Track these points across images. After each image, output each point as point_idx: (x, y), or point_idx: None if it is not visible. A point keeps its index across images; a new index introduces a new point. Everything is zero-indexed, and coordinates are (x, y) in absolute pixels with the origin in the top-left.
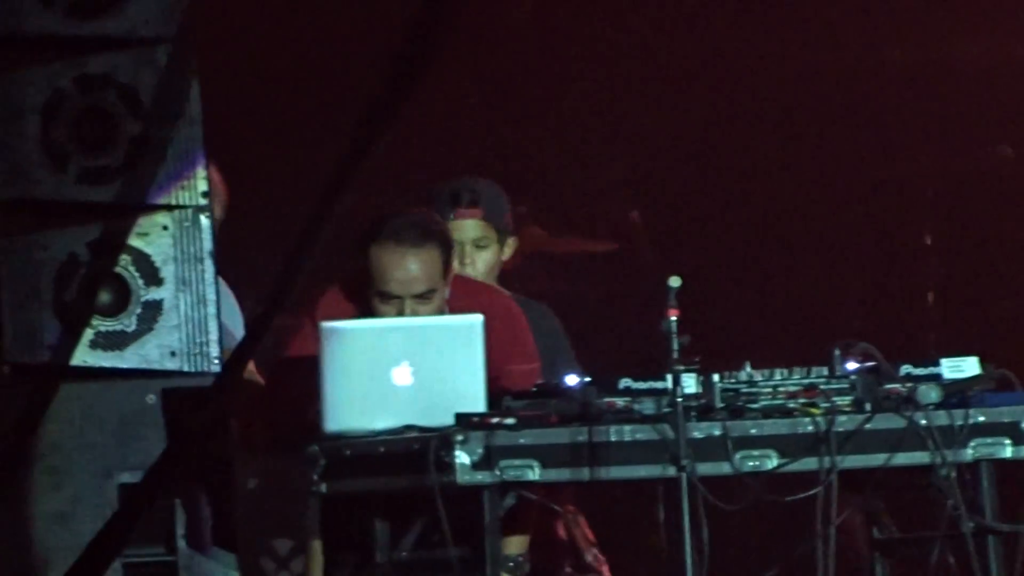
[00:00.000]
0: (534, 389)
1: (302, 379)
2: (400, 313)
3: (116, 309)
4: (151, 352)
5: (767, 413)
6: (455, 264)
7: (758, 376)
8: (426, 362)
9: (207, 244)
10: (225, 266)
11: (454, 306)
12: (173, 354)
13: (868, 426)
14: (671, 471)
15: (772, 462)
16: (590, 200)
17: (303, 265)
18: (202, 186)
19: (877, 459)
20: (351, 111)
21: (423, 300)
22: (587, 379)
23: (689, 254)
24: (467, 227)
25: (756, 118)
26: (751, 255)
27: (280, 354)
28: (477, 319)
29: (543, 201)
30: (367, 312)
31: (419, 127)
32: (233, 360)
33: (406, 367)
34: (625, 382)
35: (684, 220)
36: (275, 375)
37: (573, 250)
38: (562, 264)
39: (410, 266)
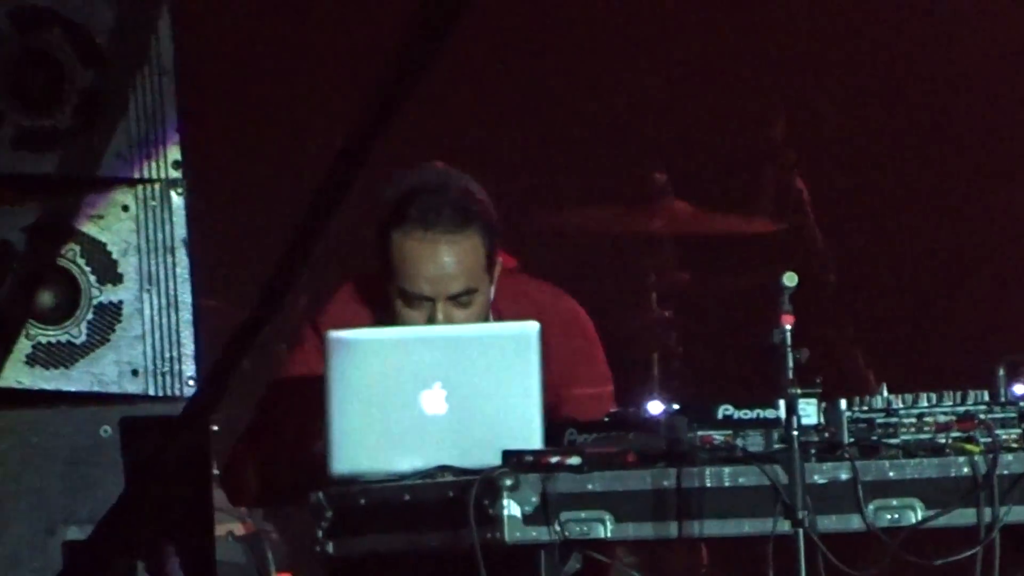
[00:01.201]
0: (606, 419)
1: (303, 406)
2: (431, 320)
3: (61, 315)
4: (106, 370)
5: (910, 451)
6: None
7: (898, 402)
8: (465, 384)
9: (180, 230)
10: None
11: (501, 310)
12: (135, 373)
13: None
14: (784, 526)
15: (916, 514)
16: (745, 167)
17: (302, 261)
18: (174, 154)
19: None
20: (365, 73)
21: (460, 303)
22: (676, 406)
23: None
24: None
25: (922, 107)
26: (899, 254)
27: (275, 373)
28: (533, 327)
29: (687, 168)
30: (388, 319)
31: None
32: (211, 380)
33: (439, 390)
34: (725, 410)
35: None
36: (269, 400)
37: (727, 230)
38: (709, 248)
39: (443, 259)
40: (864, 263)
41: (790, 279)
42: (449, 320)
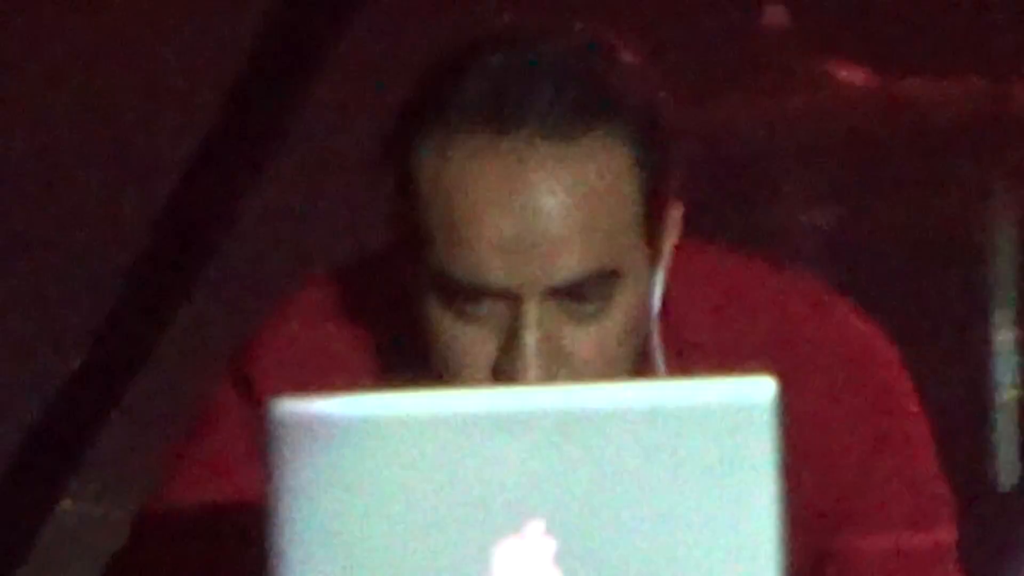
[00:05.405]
0: None
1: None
2: (511, 348)
3: None
4: None
5: None
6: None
7: None
8: (604, 521)
9: None
10: None
11: (686, 332)
12: None
13: None
14: None
15: None
16: None
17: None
18: None
19: None
20: None
21: (580, 305)
22: None
23: None
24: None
25: None
26: None
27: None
28: (765, 388)
29: None
30: (411, 352)
31: None
32: None
33: (540, 537)
34: None
35: None
36: (131, 553)
37: None
38: None
39: (540, 200)
40: None
41: None
42: (554, 350)
